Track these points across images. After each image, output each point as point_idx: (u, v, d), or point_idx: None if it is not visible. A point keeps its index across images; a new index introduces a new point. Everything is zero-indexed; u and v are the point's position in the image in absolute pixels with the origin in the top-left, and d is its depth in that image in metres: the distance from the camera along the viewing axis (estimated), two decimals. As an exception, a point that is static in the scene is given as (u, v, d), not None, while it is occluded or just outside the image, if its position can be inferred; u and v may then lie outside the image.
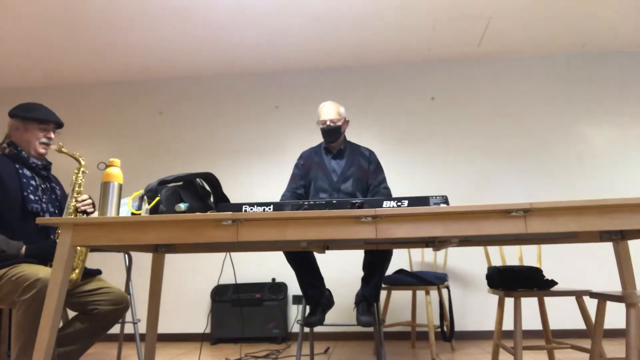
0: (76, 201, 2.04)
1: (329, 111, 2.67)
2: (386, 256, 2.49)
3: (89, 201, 2.08)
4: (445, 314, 3.14)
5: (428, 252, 3.81)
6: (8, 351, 2.24)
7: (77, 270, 1.95)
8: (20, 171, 2.02)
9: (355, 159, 2.71)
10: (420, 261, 3.81)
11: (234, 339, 3.71)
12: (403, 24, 3.68)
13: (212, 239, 1.52)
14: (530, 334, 3.55)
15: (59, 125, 2.16)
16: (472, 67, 4.25)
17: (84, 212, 2.05)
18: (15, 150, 2.05)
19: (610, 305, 3.41)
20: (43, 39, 3.76)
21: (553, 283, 2.27)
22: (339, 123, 2.67)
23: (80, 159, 2.14)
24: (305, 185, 2.70)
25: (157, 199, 1.70)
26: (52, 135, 2.13)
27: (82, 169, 2.13)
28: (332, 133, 2.67)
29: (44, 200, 2.05)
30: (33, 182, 2.05)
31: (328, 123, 2.65)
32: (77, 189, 2.08)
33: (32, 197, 2.00)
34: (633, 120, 4.00)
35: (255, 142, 4.32)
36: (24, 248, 1.91)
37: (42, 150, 2.10)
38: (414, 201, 1.54)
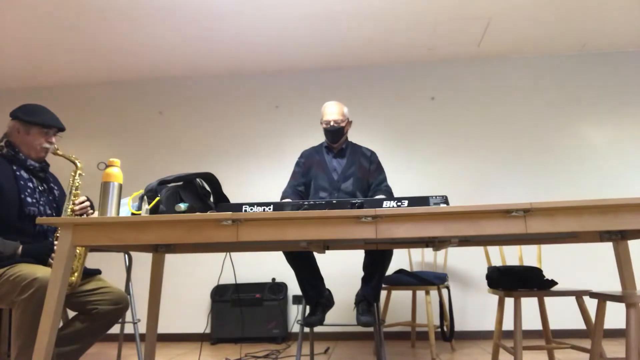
0: (74, 204, 2.03)
1: (333, 111, 2.66)
2: (386, 256, 2.49)
3: (87, 203, 2.06)
4: (445, 314, 3.14)
5: (428, 252, 3.81)
6: (8, 351, 2.24)
7: (76, 274, 1.94)
8: (18, 173, 2.00)
9: (356, 158, 2.71)
10: (420, 261, 3.81)
11: (234, 339, 3.71)
12: (403, 24, 3.68)
13: (212, 239, 1.52)
14: (530, 334, 3.55)
15: (60, 130, 2.14)
16: (472, 67, 4.25)
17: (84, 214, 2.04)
18: (13, 152, 2.03)
19: (610, 305, 3.42)
20: (43, 39, 3.76)
21: (553, 283, 2.27)
22: (343, 124, 2.67)
23: (77, 162, 2.11)
24: (305, 183, 2.70)
25: (157, 199, 1.70)
26: (53, 140, 2.10)
27: (78, 172, 2.10)
28: (336, 134, 2.67)
29: (41, 202, 2.04)
30: (30, 185, 2.03)
31: (332, 124, 2.65)
32: (74, 191, 2.05)
33: (29, 199, 1.98)
34: (633, 120, 4.00)
35: (255, 142, 4.32)
36: (20, 248, 1.90)
37: (42, 155, 2.09)
38: (414, 201, 1.54)
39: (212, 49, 4.01)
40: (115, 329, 2.58)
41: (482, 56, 4.22)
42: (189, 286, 4.04)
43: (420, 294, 3.70)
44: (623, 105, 4.04)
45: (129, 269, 2.78)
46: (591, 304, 3.17)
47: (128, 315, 2.94)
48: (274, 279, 3.91)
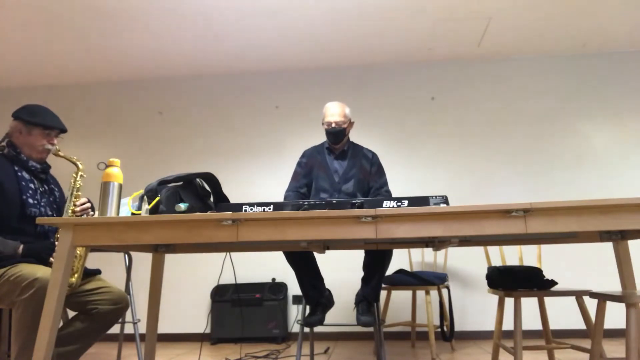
0: (74, 205, 2.03)
1: (335, 113, 2.65)
2: (386, 256, 2.49)
3: (87, 205, 2.06)
4: (445, 314, 3.14)
5: (428, 252, 3.81)
6: (8, 351, 2.24)
7: (76, 275, 1.94)
8: (19, 174, 2.01)
9: (358, 160, 2.70)
10: (420, 261, 3.81)
11: (234, 339, 3.71)
12: (403, 24, 3.68)
13: (212, 239, 1.52)
14: (530, 334, 3.55)
15: (62, 131, 2.14)
16: (472, 67, 4.25)
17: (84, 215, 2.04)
18: (15, 152, 2.03)
19: (610, 305, 3.42)
20: (43, 39, 3.75)
21: (553, 283, 2.27)
22: (344, 125, 2.66)
23: (78, 163, 2.11)
24: (307, 184, 2.69)
25: (157, 199, 1.70)
26: (55, 141, 2.10)
27: (80, 173, 2.10)
28: (337, 135, 2.67)
29: (42, 203, 2.04)
30: (32, 185, 2.03)
31: (333, 125, 2.64)
32: (75, 193, 2.05)
33: (30, 200, 1.98)
34: (633, 120, 4.00)
35: (255, 142, 4.32)
36: (21, 247, 1.90)
37: (43, 156, 2.09)
38: (414, 201, 1.54)
39: (212, 49, 4.00)
40: (115, 329, 2.58)
41: (482, 56, 4.22)
42: (189, 286, 4.04)
43: (420, 294, 3.70)
44: (623, 105, 4.04)
45: (129, 269, 2.78)
46: (591, 304, 3.17)
47: (128, 315, 2.94)
48: (274, 279, 3.91)
